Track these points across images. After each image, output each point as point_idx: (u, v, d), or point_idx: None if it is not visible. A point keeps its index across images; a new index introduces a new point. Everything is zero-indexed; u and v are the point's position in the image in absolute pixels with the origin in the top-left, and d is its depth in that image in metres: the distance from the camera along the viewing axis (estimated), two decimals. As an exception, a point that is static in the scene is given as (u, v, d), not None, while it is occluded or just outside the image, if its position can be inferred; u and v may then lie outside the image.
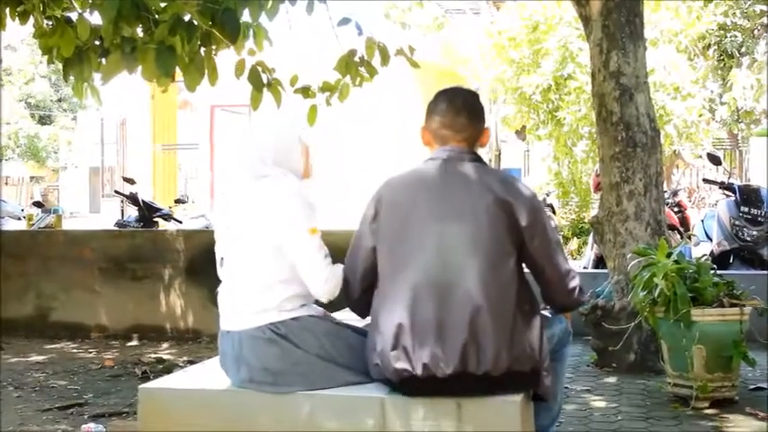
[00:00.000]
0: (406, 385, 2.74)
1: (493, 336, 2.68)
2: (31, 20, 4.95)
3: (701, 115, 13.26)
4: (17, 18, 4.95)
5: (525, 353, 2.72)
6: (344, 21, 5.19)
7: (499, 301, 2.71)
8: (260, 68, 5.12)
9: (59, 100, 37.13)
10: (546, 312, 3.06)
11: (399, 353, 2.72)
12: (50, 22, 4.83)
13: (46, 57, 4.98)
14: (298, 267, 2.90)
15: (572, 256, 12.81)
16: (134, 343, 6.65)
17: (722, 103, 15.27)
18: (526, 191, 2.87)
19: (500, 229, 2.77)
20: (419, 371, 2.69)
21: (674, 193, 9.43)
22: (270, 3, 4.83)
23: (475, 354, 2.67)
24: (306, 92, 5.51)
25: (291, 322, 2.89)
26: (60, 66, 4.91)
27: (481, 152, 3.02)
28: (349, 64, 5.49)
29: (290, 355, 2.85)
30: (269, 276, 2.90)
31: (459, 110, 2.95)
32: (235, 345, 2.92)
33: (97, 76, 4.83)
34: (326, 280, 2.92)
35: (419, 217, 2.82)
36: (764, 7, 15.25)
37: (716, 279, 4.28)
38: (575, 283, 2.96)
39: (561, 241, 3.00)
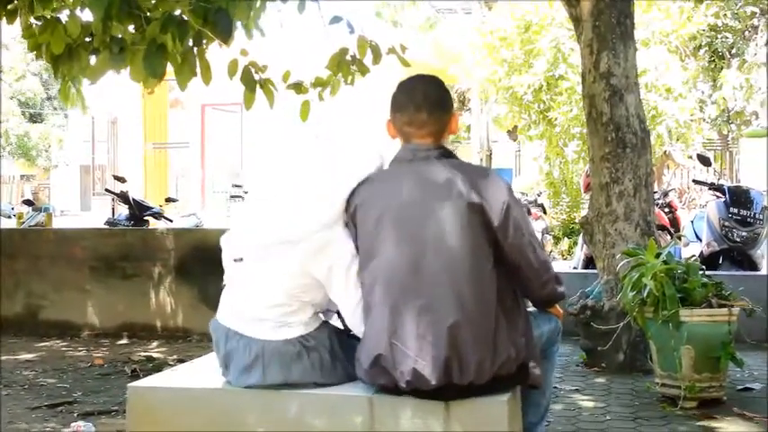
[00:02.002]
0: (392, 394, 2.72)
1: (474, 347, 2.63)
2: (19, 19, 4.93)
3: (692, 115, 13.32)
4: (4, 17, 4.92)
5: (510, 357, 2.67)
6: (336, 19, 5.18)
7: (478, 310, 2.65)
8: (252, 68, 5.11)
9: (50, 98, 37.02)
10: (533, 310, 3.05)
11: (382, 371, 2.69)
12: (38, 22, 4.80)
13: (34, 53, 4.95)
14: (335, 299, 2.85)
15: (562, 256, 12.87)
16: (124, 341, 6.64)
17: (713, 103, 15.33)
18: (497, 187, 2.74)
19: (474, 235, 2.69)
20: (403, 384, 2.66)
21: (665, 194, 9.44)
22: (258, 2, 4.80)
23: (458, 367, 2.63)
24: (298, 88, 5.51)
25: (317, 333, 2.85)
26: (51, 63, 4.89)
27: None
28: (341, 62, 5.50)
29: (315, 365, 2.83)
30: (295, 290, 2.81)
31: (420, 105, 2.81)
32: (252, 352, 2.84)
33: (85, 79, 4.81)
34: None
35: (389, 232, 2.73)
36: (755, 9, 15.31)
37: (705, 280, 4.28)
38: (549, 274, 2.88)
39: (535, 232, 2.93)
